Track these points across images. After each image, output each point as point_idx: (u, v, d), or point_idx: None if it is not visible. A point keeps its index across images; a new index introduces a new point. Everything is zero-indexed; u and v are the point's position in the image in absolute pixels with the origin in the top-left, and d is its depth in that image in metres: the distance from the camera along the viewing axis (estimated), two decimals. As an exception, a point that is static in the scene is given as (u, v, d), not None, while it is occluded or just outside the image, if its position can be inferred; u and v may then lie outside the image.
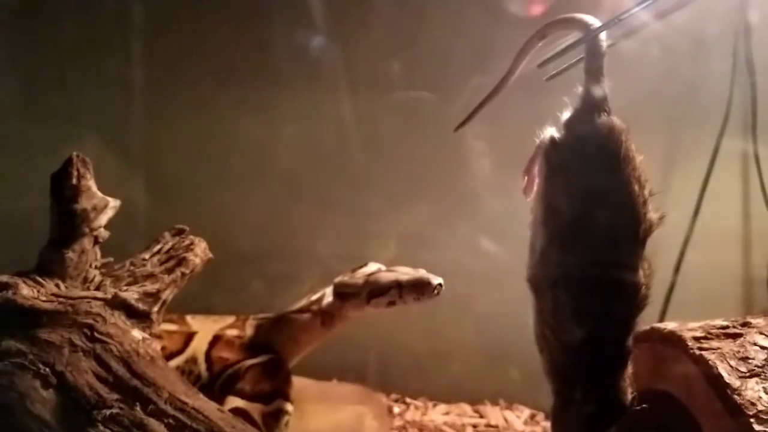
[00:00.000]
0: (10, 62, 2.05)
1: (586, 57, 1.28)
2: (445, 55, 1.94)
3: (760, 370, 1.21)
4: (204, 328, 1.78)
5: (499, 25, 1.84)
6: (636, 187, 1.24)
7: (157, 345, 1.28)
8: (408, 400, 2.06)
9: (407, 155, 2.02)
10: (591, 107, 1.26)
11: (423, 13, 1.95)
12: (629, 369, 1.27)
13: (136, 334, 1.25)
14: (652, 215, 1.26)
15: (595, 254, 1.25)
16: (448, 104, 1.83)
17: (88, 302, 1.24)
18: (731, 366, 1.21)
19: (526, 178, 1.35)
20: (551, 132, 1.29)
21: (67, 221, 1.30)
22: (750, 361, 1.22)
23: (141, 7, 1.99)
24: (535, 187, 1.33)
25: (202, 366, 1.72)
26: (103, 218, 1.32)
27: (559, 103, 1.29)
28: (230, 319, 1.80)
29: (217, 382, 1.70)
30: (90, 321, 1.22)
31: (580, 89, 1.27)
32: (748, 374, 1.20)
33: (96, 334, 1.21)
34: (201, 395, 1.24)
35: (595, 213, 1.24)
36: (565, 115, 1.28)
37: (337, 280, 1.71)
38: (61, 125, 2.02)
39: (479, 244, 1.95)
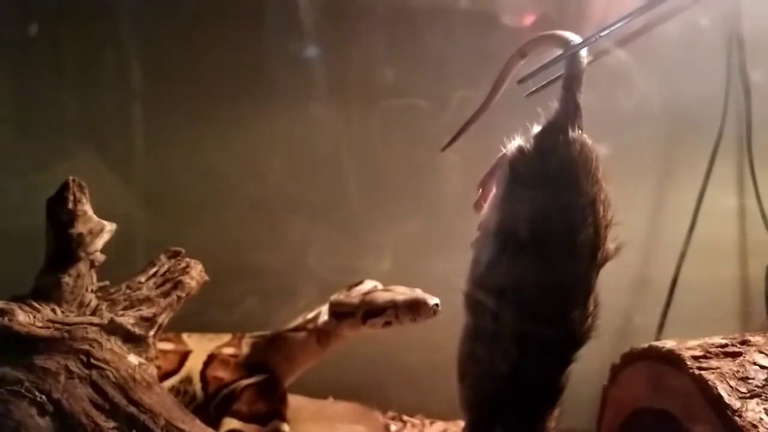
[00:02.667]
0: (6, 77, 2.03)
1: (565, 72, 1.26)
2: (440, 65, 1.94)
3: (761, 390, 1.20)
4: (199, 347, 1.76)
5: (492, 34, 1.83)
6: (600, 209, 1.21)
7: (153, 370, 1.27)
8: (405, 417, 2.04)
9: (402, 167, 2.01)
10: (565, 122, 1.23)
11: (416, 23, 1.94)
12: (557, 411, 1.23)
13: (133, 359, 1.24)
14: (610, 245, 1.22)
15: (546, 270, 1.21)
16: (443, 115, 1.83)
17: (84, 328, 1.23)
18: (731, 386, 1.20)
19: (480, 191, 1.32)
20: (519, 142, 1.26)
21: (63, 246, 1.29)
22: (750, 381, 1.21)
23: (136, 24, 1.98)
24: (490, 199, 1.30)
25: (197, 386, 1.71)
26: (99, 242, 1.32)
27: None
28: (226, 338, 1.79)
29: (212, 403, 1.68)
30: (86, 347, 1.21)
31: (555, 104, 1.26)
32: (748, 395, 1.19)
33: (92, 360, 1.20)
34: (198, 421, 1.23)
35: (554, 228, 1.21)
36: (536, 128, 1.26)
37: (333, 298, 1.70)
38: (55, 141, 2.00)
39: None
